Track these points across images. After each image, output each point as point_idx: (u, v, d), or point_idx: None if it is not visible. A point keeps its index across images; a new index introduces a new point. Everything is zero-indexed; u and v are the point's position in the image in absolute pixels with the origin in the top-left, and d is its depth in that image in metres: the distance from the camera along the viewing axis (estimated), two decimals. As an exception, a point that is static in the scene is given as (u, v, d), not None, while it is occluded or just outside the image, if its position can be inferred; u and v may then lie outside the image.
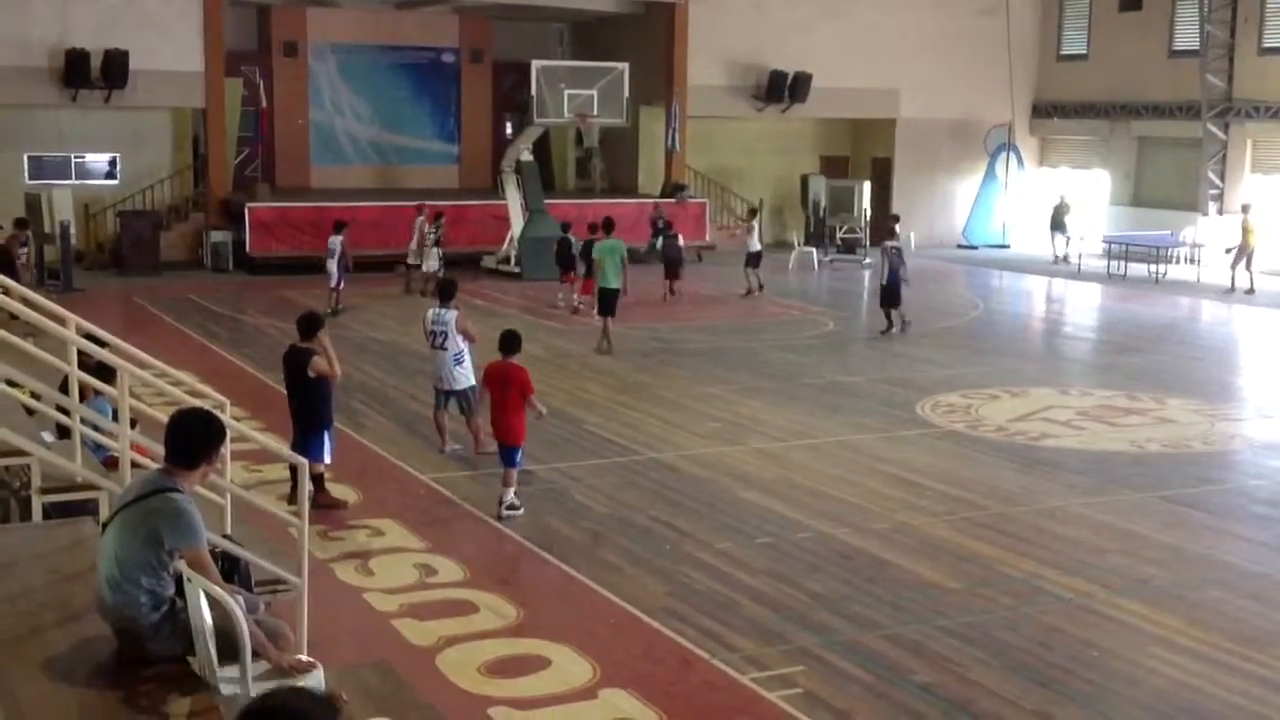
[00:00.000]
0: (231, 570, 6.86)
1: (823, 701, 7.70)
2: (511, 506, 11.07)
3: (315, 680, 5.86)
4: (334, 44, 31.68)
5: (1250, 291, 25.73)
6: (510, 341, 11.27)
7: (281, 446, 9.82)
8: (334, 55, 31.76)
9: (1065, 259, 30.65)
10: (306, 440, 10.95)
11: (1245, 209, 26.62)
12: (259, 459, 11.56)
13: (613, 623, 8.88)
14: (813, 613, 9.08)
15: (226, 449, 8.53)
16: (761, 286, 24.70)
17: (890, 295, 20.62)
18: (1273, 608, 9.37)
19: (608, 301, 19.05)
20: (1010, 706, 7.70)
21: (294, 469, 10.66)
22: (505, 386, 11.08)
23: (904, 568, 10.05)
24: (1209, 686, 8.03)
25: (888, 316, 20.78)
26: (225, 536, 7.71)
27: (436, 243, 23.52)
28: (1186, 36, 31.13)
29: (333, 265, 21.75)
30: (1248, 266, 26.16)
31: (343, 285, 21.89)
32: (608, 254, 19.40)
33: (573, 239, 22.70)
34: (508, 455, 11.13)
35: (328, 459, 11.19)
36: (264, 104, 29.83)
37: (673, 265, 24.13)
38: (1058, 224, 31.29)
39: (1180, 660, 8.40)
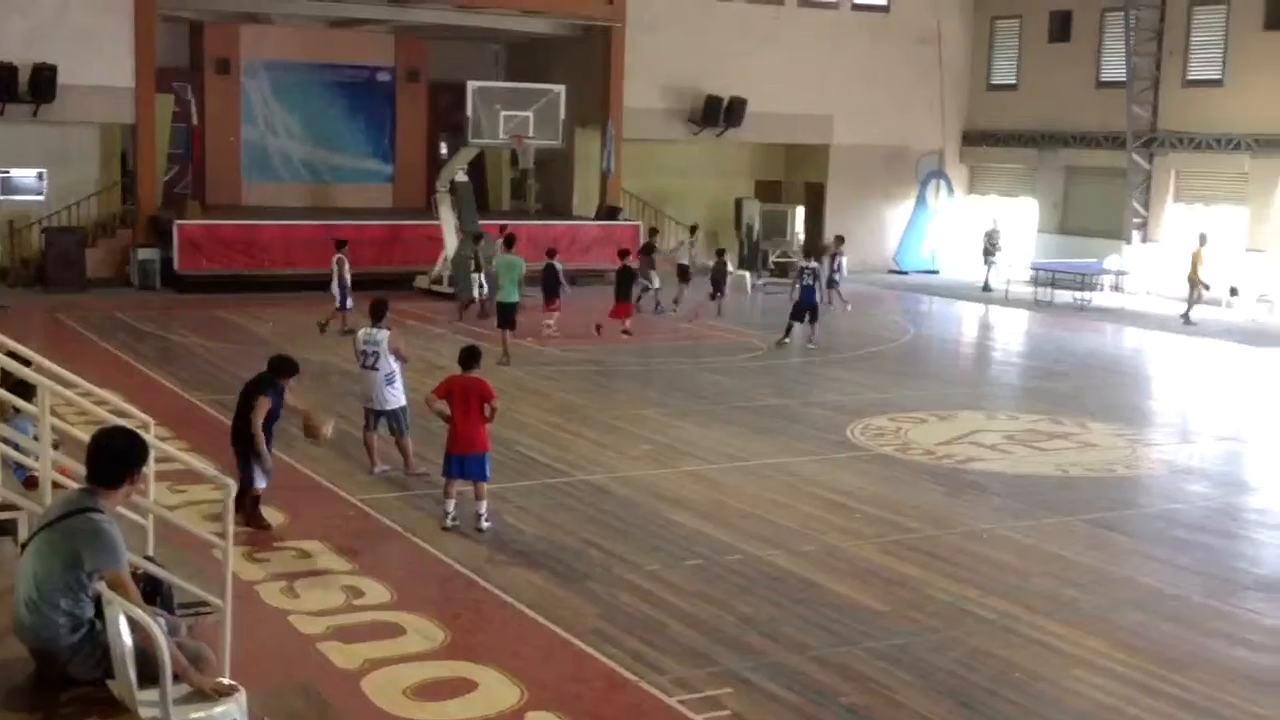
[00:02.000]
0: (153, 592, 6.77)
1: (750, 724, 7.72)
2: (487, 519, 11.25)
3: (238, 704, 5.80)
4: (268, 61, 31.45)
5: (1188, 322, 25.83)
6: (471, 356, 11.48)
7: (206, 466, 9.69)
8: (267, 73, 31.53)
9: (990, 288, 30.64)
10: (247, 464, 11.01)
11: (1202, 239, 26.84)
12: (183, 479, 11.40)
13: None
14: (742, 635, 9.11)
15: (150, 469, 8.44)
16: (676, 302, 25.13)
17: (799, 310, 21.60)
18: (1192, 630, 9.52)
19: (506, 315, 19.55)
20: (935, 728, 7.77)
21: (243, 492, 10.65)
22: (468, 398, 11.19)
23: (833, 590, 10.11)
24: (1130, 708, 8.14)
25: (788, 330, 21.83)
26: (147, 558, 7.61)
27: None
28: (1113, 68, 31.74)
29: (334, 286, 21.21)
30: (1198, 298, 26.19)
31: (350, 306, 21.02)
32: (506, 269, 20.06)
33: (559, 265, 22.56)
34: (477, 468, 11.26)
35: (262, 484, 11.13)
36: (195, 121, 29.52)
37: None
38: (990, 251, 31.27)
39: (1102, 682, 8.51)
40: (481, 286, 23.40)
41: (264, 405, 11.20)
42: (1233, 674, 8.73)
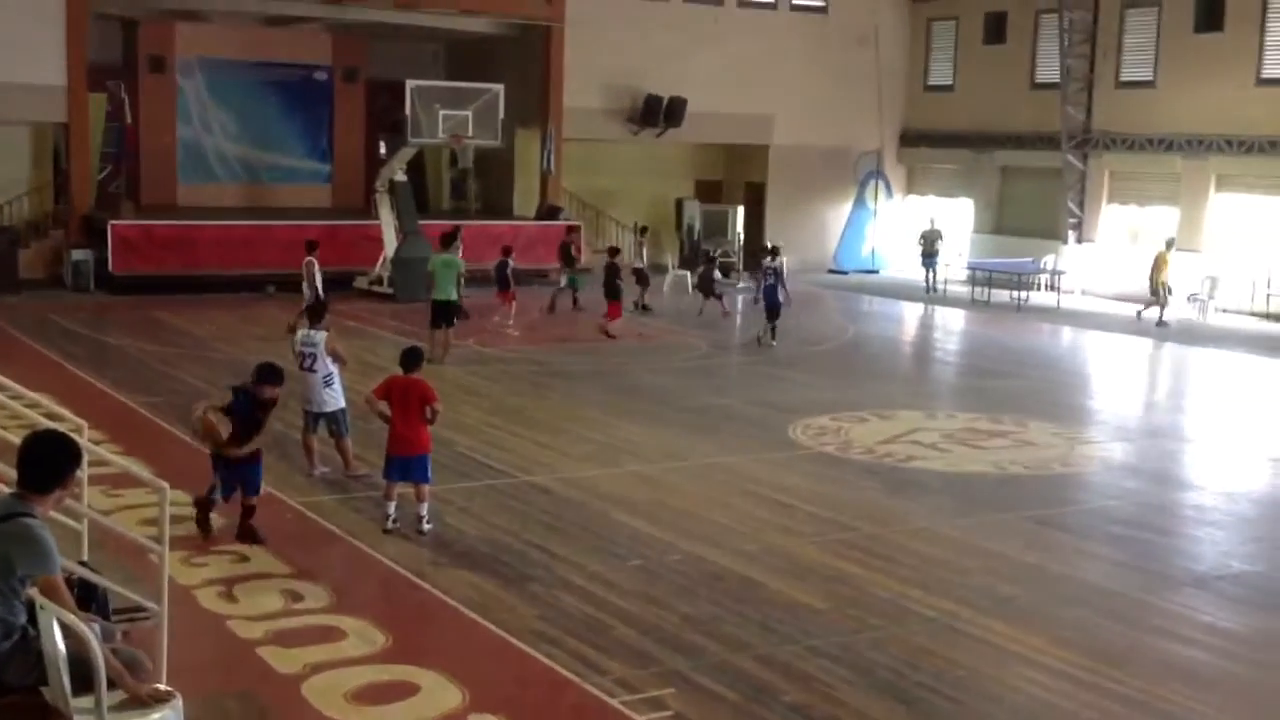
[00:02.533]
0: (88, 598, 6.67)
1: (693, 723, 7.72)
2: (429, 521, 11.18)
3: (174, 711, 5.72)
4: (203, 59, 31.11)
5: (1161, 324, 25.76)
6: (412, 357, 11.41)
7: (142, 470, 9.55)
8: (203, 71, 31.18)
9: (934, 289, 30.73)
10: (252, 472, 10.90)
11: (1169, 244, 26.88)
12: (119, 483, 11.23)
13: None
14: (683, 634, 9.10)
15: (84, 473, 8.31)
16: (645, 306, 25.44)
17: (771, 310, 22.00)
18: (1130, 625, 9.64)
19: (446, 313, 19.55)
20: (877, 725, 7.81)
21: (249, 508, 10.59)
22: (408, 400, 11.11)
23: (774, 589, 10.13)
24: (1069, 704, 8.22)
25: (772, 332, 22.05)
26: (82, 563, 7.50)
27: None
28: (1048, 69, 32.13)
29: (305, 287, 20.77)
30: (1164, 302, 26.12)
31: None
32: (443, 267, 19.96)
33: (510, 261, 22.80)
34: (419, 469, 11.18)
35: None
36: (129, 120, 29.13)
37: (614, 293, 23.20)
38: (930, 253, 31.16)
39: (1042, 678, 8.59)
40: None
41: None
42: (1170, 669, 8.85)
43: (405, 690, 8.01)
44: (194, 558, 10.22)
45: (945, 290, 30.27)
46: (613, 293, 22.89)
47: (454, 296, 19.78)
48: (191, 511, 10.96)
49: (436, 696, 7.92)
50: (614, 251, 24.50)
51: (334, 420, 12.75)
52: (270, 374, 11.06)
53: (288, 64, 32.16)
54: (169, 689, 5.81)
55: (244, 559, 10.37)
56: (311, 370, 12.65)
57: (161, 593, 7.27)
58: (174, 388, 17.03)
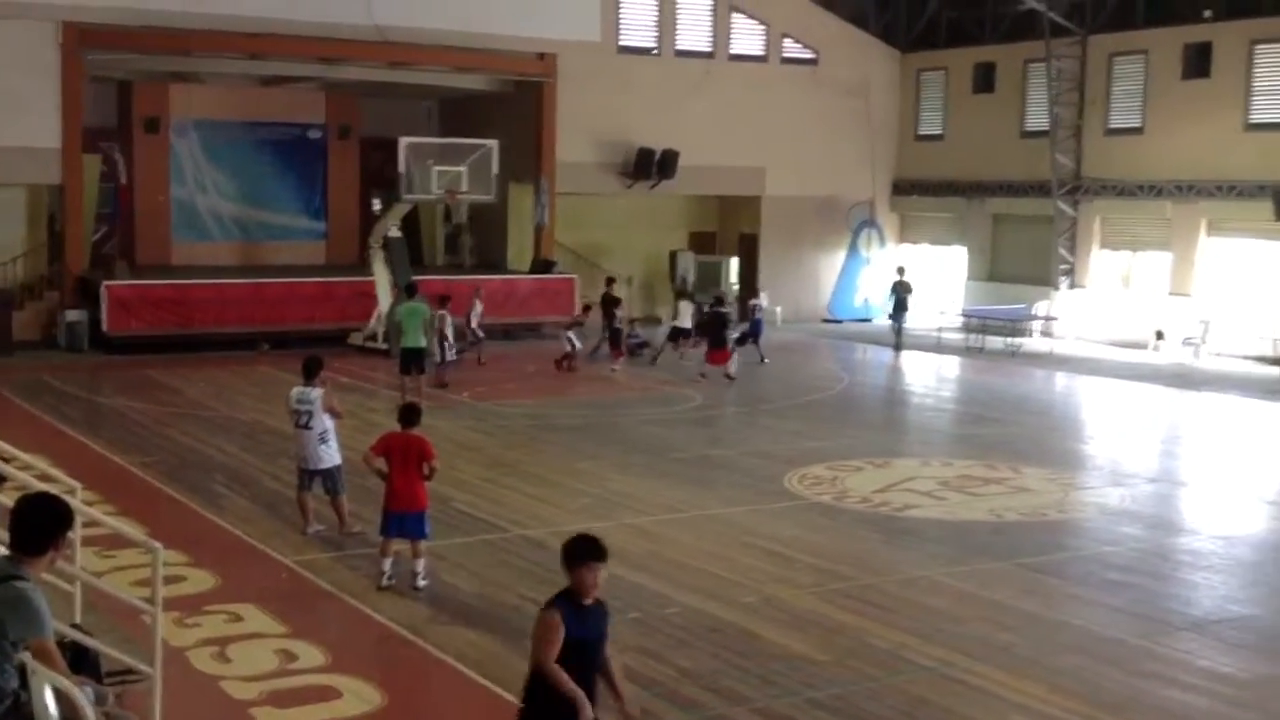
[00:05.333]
0: (80, 660, 6.63)
1: (691, 779, 7.66)
2: (425, 578, 11.15)
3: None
4: (197, 120, 31.29)
5: None
6: (410, 414, 11.51)
7: (135, 531, 9.54)
8: (197, 131, 31.35)
9: (895, 346, 29.02)
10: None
11: None
12: (112, 544, 11.20)
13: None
14: (681, 688, 9.06)
15: (76, 534, 8.29)
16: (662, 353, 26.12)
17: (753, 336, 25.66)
18: (1128, 672, 9.60)
19: (415, 360, 20.32)
20: (876, 778, 7.75)
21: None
22: (406, 456, 11.14)
23: (773, 640, 10.09)
24: (1068, 751, 8.17)
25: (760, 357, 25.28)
26: (74, 625, 7.47)
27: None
28: (1037, 118, 32.35)
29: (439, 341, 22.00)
30: None
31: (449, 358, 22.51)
32: (408, 316, 20.81)
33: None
34: (416, 525, 11.18)
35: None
36: (123, 180, 29.25)
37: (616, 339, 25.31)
38: (900, 305, 29.30)
39: (1040, 726, 8.54)
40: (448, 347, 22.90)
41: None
42: (1169, 715, 8.81)
43: (401, 749, 7.96)
44: (187, 618, 10.16)
45: (905, 343, 29.02)
46: (719, 340, 24.18)
47: (422, 343, 20.48)
48: (182, 572, 10.93)
49: (432, 755, 7.87)
50: (719, 301, 25.72)
51: (329, 477, 12.72)
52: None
53: (282, 123, 32.36)
54: (161, 752, 5.78)
55: (237, 619, 10.31)
56: (307, 427, 12.62)
57: (155, 654, 7.25)
58: (167, 447, 17.02)
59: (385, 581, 11.13)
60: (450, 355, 22.49)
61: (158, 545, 7.40)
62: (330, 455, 12.68)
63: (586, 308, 26.22)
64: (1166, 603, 11.48)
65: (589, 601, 6.23)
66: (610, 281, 27.37)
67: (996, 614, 10.87)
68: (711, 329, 24.57)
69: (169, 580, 9.96)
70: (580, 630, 6.16)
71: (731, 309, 27.53)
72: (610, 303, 25.84)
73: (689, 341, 25.79)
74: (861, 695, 8.98)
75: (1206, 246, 29.34)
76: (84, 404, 20.56)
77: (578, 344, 24.44)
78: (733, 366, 23.93)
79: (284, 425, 13.89)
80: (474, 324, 25.00)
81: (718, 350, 24.05)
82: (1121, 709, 8.84)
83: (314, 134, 32.83)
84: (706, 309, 25.63)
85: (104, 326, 25.91)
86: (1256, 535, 14.06)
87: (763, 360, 25.65)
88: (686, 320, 26.01)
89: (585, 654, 6.22)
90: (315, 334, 25.14)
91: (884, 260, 35.47)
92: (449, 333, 22.53)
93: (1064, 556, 12.88)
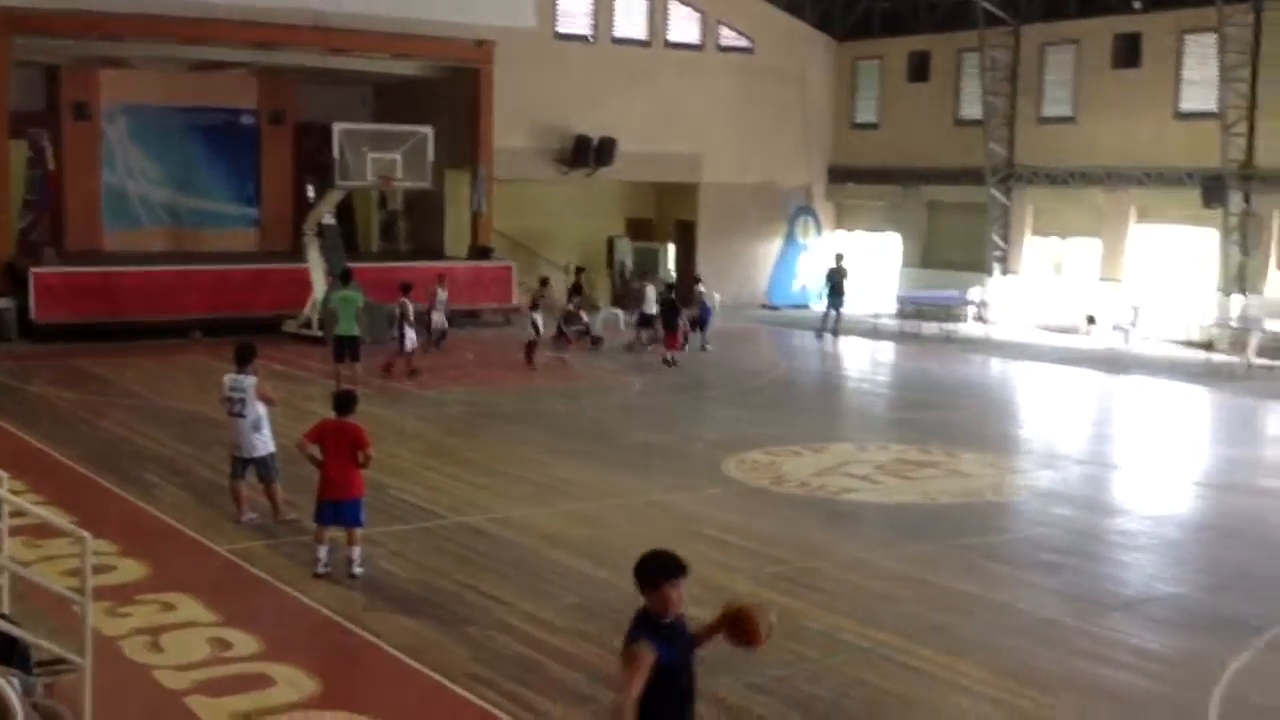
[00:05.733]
0: (8, 651, 6.52)
1: (630, 762, 7.65)
2: (360, 565, 11.05)
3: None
4: (127, 105, 30.82)
5: None
6: (345, 401, 11.37)
7: (64, 520, 9.38)
8: (127, 117, 30.88)
9: (833, 332, 28.73)
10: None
11: None
12: (41, 534, 11.01)
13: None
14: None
15: (4, 524, 8.15)
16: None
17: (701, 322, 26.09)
18: (1062, 652, 9.72)
19: (350, 348, 20.13)
20: (814, 758, 7.79)
21: None
22: (340, 443, 11.03)
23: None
24: (1003, 729, 8.26)
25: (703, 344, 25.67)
26: (2, 616, 7.33)
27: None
28: (971, 106, 32.65)
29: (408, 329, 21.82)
30: None
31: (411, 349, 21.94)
32: (342, 303, 20.62)
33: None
34: (351, 513, 11.07)
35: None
36: (51, 167, 28.75)
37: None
38: (836, 290, 29.09)
39: (976, 705, 8.62)
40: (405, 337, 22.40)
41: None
42: (1100, 693, 8.93)
43: (337, 737, 7.89)
44: (119, 608, 10.02)
45: (838, 334, 28.82)
46: (672, 325, 24.48)
47: (356, 331, 20.31)
48: (113, 562, 10.78)
49: (369, 742, 7.81)
50: (670, 287, 26.01)
51: (263, 465, 12.59)
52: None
53: (214, 108, 31.95)
54: (92, 742, 5.69)
55: (170, 608, 10.18)
56: (240, 415, 12.48)
57: (85, 644, 7.13)
58: (98, 436, 16.77)
59: (320, 569, 11.04)
60: (410, 344, 22.07)
61: (86, 534, 7.27)
62: (264, 443, 12.54)
63: (544, 280, 25.91)
64: (1098, 583, 11.64)
65: (670, 619, 5.71)
66: (579, 271, 27.48)
67: (932, 595, 10.96)
68: (665, 314, 24.75)
69: (100, 570, 9.84)
70: (672, 654, 5.63)
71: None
72: (577, 291, 25.92)
73: (649, 332, 25.90)
74: (800, 677, 9.03)
75: (1136, 233, 29.78)
76: (12, 393, 20.18)
77: (541, 329, 23.94)
78: (678, 352, 24.15)
79: (217, 413, 13.72)
80: (437, 312, 24.51)
81: (670, 335, 24.30)
82: (1056, 688, 8.95)
83: (246, 119, 32.44)
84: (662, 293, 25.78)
85: (32, 315, 25.47)
86: (1183, 515, 14.31)
87: (704, 347, 25.70)
88: (653, 306, 25.84)
89: (679, 680, 5.72)
90: (249, 321, 24.84)
91: (821, 247, 35.67)
92: (410, 320, 22.08)
93: (999, 538, 13.02)
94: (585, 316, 26.11)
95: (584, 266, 28.48)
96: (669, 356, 23.93)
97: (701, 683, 8.78)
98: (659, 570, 5.74)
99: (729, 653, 9.36)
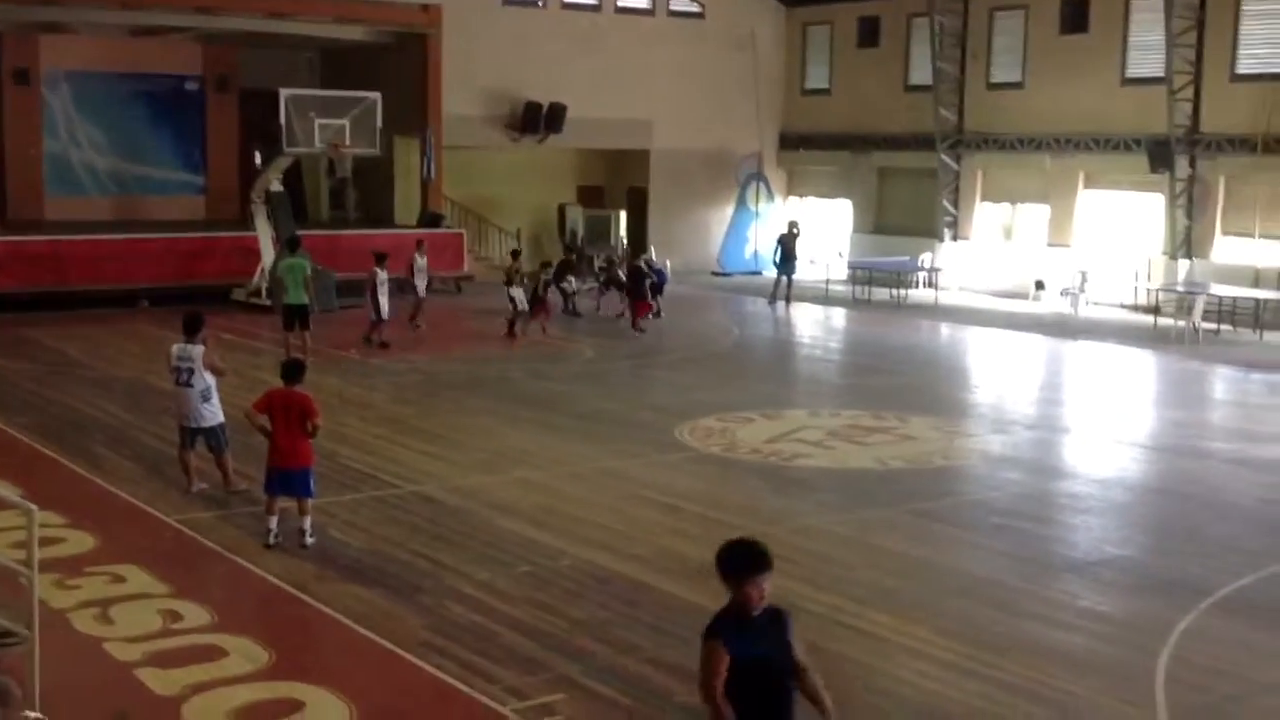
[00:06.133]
0: (-48, 625, 6.43)
1: (584, 728, 7.70)
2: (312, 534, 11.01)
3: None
4: (69, 71, 30.31)
5: None
6: (293, 370, 11.27)
7: (8, 492, 9.27)
8: (69, 83, 30.38)
9: (785, 299, 28.78)
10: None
11: None
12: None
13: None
14: (574, 639, 9.07)
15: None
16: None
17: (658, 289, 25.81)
18: (1011, 614, 9.82)
19: (299, 316, 19.97)
20: (767, 722, 7.84)
21: None
22: (289, 412, 10.94)
23: (663, 590, 10.14)
24: (955, 693, 8.35)
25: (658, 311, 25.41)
26: (-54, 590, 7.23)
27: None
28: (921, 72, 32.69)
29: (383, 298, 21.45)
30: None
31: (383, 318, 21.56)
32: (289, 271, 20.40)
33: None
34: (301, 483, 11.00)
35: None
36: (-9, 133, 28.28)
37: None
38: (788, 255, 29.00)
39: (927, 668, 8.71)
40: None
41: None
42: (1050, 654, 9.03)
43: (289, 707, 7.87)
44: (67, 580, 9.92)
45: (790, 300, 28.85)
46: (640, 293, 24.51)
47: (304, 299, 20.11)
48: (61, 534, 10.66)
49: (321, 713, 7.79)
50: (636, 255, 25.92)
51: (212, 435, 12.48)
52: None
53: (158, 74, 31.48)
54: (40, 716, 5.63)
55: (120, 579, 10.09)
56: (189, 385, 12.35)
57: (32, 616, 7.05)
58: (44, 407, 16.56)
59: (272, 539, 10.97)
60: (384, 314, 21.68)
61: (32, 506, 7.18)
62: (213, 413, 12.43)
63: (515, 252, 25.71)
64: (1047, 545, 11.77)
65: (757, 612, 5.46)
66: (569, 249, 27.45)
67: (883, 560, 11.05)
68: (632, 282, 24.78)
69: (48, 542, 9.74)
70: (751, 649, 5.37)
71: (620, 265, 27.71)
72: (566, 268, 26.21)
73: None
74: (752, 642, 9.06)
75: (1084, 199, 30.00)
76: (-46, 364, 19.90)
77: (520, 304, 23.41)
78: (645, 320, 24.32)
79: (166, 383, 13.58)
80: (419, 279, 23.86)
81: (639, 303, 24.35)
82: (1005, 650, 9.04)
83: (191, 86, 31.99)
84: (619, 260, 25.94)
85: (-26, 284, 25.08)
86: (1130, 478, 14.48)
87: (658, 314, 25.69)
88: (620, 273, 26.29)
89: (766, 675, 5.42)
90: (197, 290, 24.58)
91: (773, 214, 35.70)
92: (383, 290, 21.61)
93: (949, 502, 13.13)
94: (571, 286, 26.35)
95: (573, 243, 28.56)
96: (639, 325, 23.95)
97: (652, 648, 8.90)
98: (736, 566, 5.49)
99: (682, 619, 9.43)
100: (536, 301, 23.37)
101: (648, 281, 25.16)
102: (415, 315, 23.50)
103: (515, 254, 25.10)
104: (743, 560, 5.45)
